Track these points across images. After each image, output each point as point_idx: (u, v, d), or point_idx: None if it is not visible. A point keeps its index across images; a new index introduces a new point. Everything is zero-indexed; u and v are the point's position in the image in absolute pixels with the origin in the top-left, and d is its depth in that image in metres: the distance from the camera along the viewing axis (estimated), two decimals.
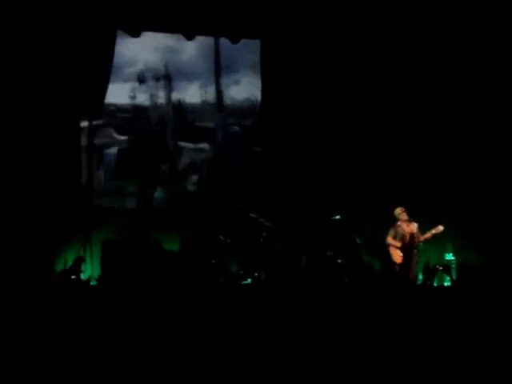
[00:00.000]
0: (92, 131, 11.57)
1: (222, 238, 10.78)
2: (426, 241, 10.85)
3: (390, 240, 10.89)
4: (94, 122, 11.68)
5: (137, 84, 12.04)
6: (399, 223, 10.87)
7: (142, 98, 12.13)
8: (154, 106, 12.17)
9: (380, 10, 11.78)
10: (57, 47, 10.97)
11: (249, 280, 10.44)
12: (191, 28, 11.92)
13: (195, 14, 11.56)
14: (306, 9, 11.76)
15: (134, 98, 12.07)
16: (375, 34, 12.00)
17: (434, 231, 10.70)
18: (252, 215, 10.91)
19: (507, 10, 11.50)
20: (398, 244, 10.76)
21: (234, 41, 12.29)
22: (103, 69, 11.46)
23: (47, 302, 6.76)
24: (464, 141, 12.06)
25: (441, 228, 10.67)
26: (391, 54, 12.10)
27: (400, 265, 10.68)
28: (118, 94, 11.90)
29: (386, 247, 10.93)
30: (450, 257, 11.60)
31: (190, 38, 12.03)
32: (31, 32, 10.77)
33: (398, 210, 10.91)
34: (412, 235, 10.74)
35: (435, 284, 9.99)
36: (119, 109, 12.00)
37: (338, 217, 11.12)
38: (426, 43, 12.03)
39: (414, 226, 10.83)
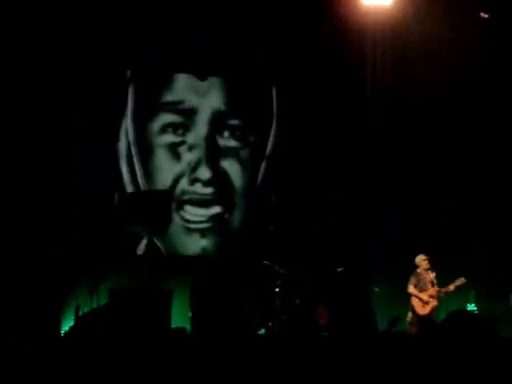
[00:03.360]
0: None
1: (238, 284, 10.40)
2: (448, 293, 10.40)
3: (412, 290, 10.37)
4: None
5: None
6: (419, 270, 10.43)
7: None
8: None
9: None
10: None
11: (263, 330, 10.06)
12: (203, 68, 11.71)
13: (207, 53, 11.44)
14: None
15: None
16: None
17: (457, 283, 10.28)
18: (266, 262, 10.54)
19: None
20: (425, 295, 10.28)
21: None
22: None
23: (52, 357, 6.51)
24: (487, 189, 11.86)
25: (463, 280, 10.24)
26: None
27: (423, 317, 10.20)
28: None
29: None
30: (471, 307, 11.18)
31: (202, 79, 11.76)
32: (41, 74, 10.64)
33: (422, 257, 10.47)
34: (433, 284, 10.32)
35: None
36: None
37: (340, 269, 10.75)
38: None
39: (432, 276, 10.41)
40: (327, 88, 12.04)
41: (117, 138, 11.37)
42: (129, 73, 11.42)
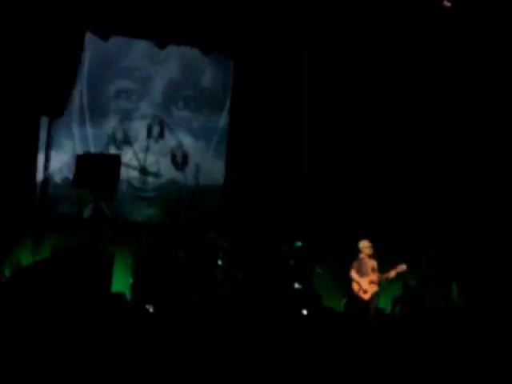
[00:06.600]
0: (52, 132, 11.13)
1: (181, 254, 10.42)
2: (388, 279, 10.51)
3: (354, 274, 10.34)
4: None
5: None
6: (362, 256, 10.52)
7: None
8: None
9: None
10: (21, 45, 10.58)
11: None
12: (163, 36, 11.55)
13: (169, 22, 11.18)
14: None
15: None
16: None
17: (398, 270, 10.22)
18: (211, 234, 10.58)
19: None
20: (365, 281, 10.32)
21: (206, 52, 11.97)
22: (69, 70, 11.06)
23: None
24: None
25: (404, 267, 10.30)
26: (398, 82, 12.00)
27: (361, 301, 10.35)
28: None
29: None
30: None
31: (161, 46, 11.66)
32: None
33: (365, 243, 10.43)
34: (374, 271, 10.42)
35: None
36: None
37: (299, 243, 10.84)
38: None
39: (374, 263, 10.50)
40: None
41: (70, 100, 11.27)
42: (88, 35, 11.31)
